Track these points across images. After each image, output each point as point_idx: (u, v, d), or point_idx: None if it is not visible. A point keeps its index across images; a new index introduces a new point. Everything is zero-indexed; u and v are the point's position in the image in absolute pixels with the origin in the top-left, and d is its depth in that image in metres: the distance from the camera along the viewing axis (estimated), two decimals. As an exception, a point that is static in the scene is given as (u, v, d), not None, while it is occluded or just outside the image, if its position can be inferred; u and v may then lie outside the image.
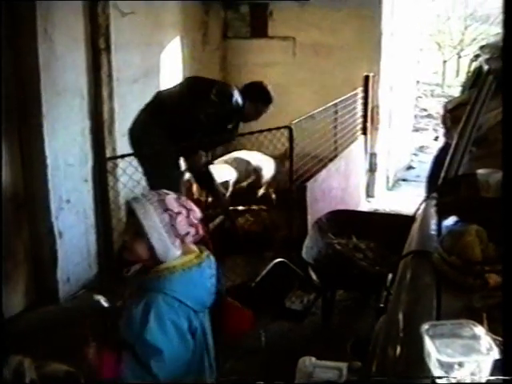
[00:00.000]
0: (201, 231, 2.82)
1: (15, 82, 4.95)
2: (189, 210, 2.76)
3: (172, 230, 2.70)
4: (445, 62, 20.57)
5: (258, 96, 5.72)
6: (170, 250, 2.73)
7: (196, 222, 2.78)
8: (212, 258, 2.96)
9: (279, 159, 7.14)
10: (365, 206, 7.82)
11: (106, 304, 3.01)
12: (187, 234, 2.75)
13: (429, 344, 1.70)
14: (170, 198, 2.78)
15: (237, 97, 5.53)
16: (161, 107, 5.48)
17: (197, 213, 2.81)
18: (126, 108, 6.02)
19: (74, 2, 5.23)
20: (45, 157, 5.09)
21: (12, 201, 5.06)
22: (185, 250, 2.82)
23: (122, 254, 2.88)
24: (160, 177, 5.29)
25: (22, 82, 4.97)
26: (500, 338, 1.77)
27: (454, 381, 1.61)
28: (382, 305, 3.11)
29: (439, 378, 1.62)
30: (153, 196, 2.78)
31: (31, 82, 4.96)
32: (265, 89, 5.77)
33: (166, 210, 2.71)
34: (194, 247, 2.88)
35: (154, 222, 2.69)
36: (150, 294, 2.70)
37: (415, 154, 11.17)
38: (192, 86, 5.66)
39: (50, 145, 5.11)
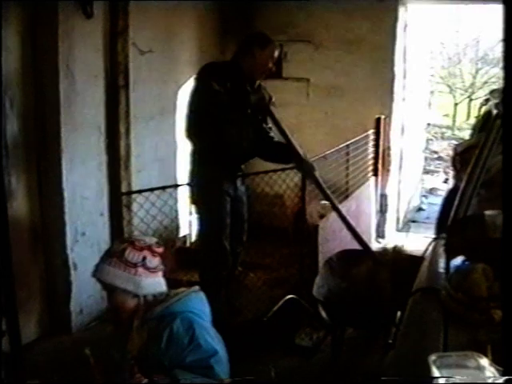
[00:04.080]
0: (157, 250, 2.99)
1: (35, 116, 5.07)
2: (133, 242, 2.96)
3: (126, 265, 2.88)
4: (456, 104, 20.73)
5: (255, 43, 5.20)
6: (141, 281, 2.91)
7: (145, 245, 2.95)
8: None
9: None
10: (375, 246, 7.85)
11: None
12: (144, 258, 2.92)
13: (436, 374, 1.77)
14: (116, 243, 3.06)
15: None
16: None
17: (144, 240, 2.99)
18: (142, 144, 6.15)
19: (95, 40, 5.36)
20: (62, 190, 5.17)
21: (29, 232, 5.15)
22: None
23: (118, 320, 3.03)
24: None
25: (42, 116, 5.08)
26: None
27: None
28: (390, 341, 3.17)
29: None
30: (103, 255, 2.99)
31: (52, 117, 5.06)
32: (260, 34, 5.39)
33: (112, 255, 2.92)
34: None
35: (108, 272, 2.88)
36: (178, 315, 2.87)
37: (425, 196, 11.22)
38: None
39: (68, 178, 5.19)
